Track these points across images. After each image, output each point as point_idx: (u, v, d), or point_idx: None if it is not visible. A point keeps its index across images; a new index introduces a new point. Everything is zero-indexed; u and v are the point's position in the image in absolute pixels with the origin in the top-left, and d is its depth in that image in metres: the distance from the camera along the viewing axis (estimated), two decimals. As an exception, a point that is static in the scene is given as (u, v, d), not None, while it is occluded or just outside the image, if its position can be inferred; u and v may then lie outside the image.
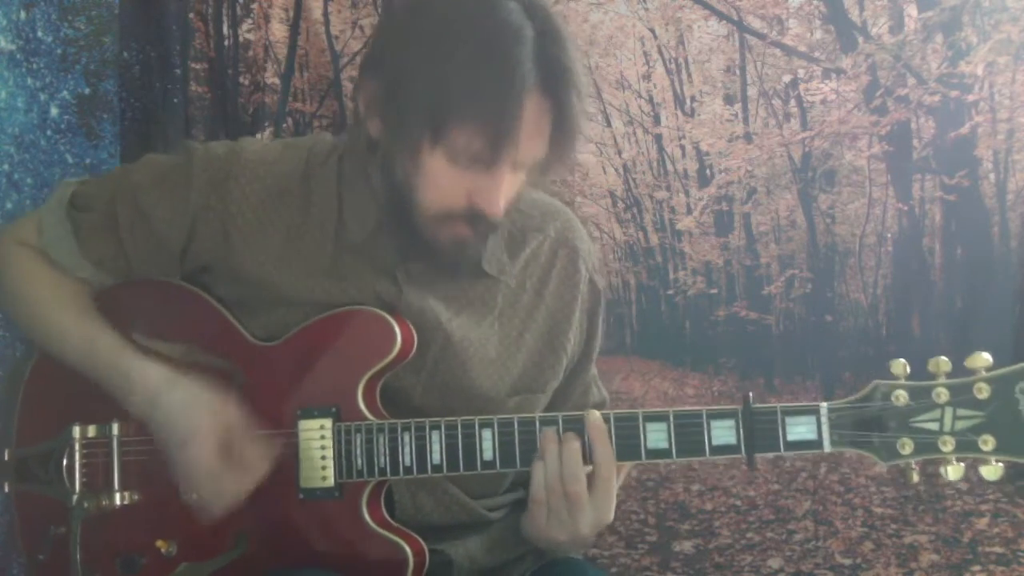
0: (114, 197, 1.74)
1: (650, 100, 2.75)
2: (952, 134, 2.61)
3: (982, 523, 2.55)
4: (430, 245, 1.59)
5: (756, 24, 2.69)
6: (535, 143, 1.52)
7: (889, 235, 2.66)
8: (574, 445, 1.53)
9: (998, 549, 2.55)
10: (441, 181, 1.53)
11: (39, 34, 2.33)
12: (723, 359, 2.75)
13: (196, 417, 1.56)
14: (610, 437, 1.53)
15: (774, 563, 2.63)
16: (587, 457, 1.54)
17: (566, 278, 1.78)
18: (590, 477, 1.54)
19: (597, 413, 1.54)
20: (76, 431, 1.68)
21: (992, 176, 2.61)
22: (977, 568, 2.55)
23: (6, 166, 2.20)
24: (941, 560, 2.56)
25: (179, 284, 1.74)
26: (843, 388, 2.67)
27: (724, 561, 2.65)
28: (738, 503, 2.67)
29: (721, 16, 2.70)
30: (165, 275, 1.75)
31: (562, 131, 1.53)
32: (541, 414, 1.60)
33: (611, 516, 1.57)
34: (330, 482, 1.61)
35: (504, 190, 1.53)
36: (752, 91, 2.71)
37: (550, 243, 1.79)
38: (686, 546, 2.67)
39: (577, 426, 1.55)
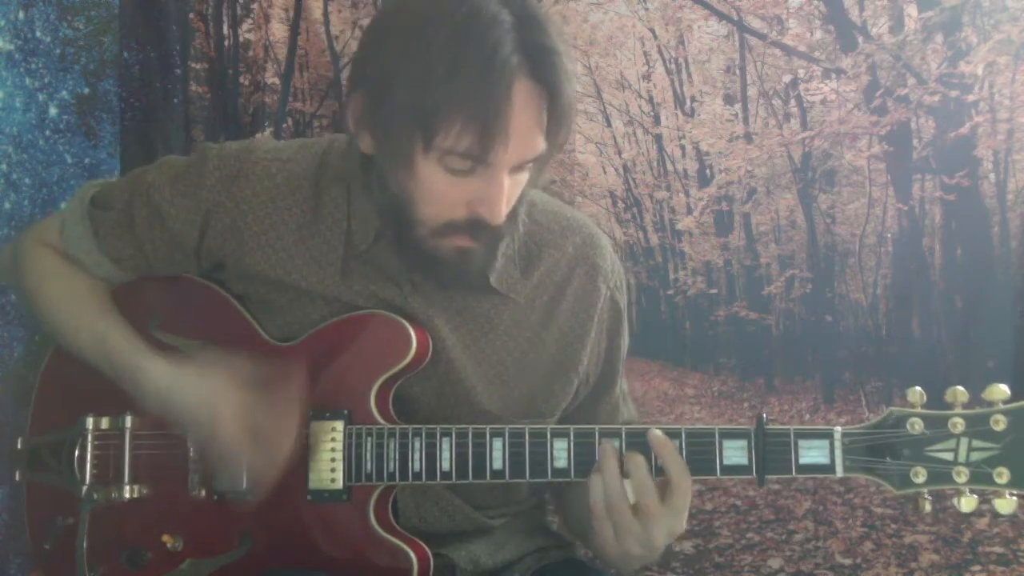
0: (132, 196, 1.75)
1: (650, 100, 2.75)
2: (952, 134, 2.61)
3: (982, 523, 2.55)
4: (433, 258, 1.56)
5: (756, 24, 2.69)
6: (532, 136, 1.46)
7: (889, 235, 2.66)
8: (639, 459, 1.49)
9: (998, 549, 2.55)
10: (439, 191, 1.49)
11: (38, 34, 2.32)
12: (723, 359, 2.75)
13: (215, 408, 1.55)
14: (621, 451, 1.50)
15: (774, 563, 2.63)
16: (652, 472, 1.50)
17: (582, 297, 1.72)
18: (662, 488, 1.49)
19: (658, 431, 1.50)
20: (90, 422, 1.68)
21: (992, 176, 2.61)
22: (977, 568, 2.55)
23: (4, 166, 2.20)
24: (941, 560, 2.57)
25: (200, 281, 1.74)
26: (843, 388, 2.68)
27: (724, 561, 2.65)
28: (738, 503, 2.67)
29: (721, 16, 2.70)
30: (183, 272, 1.75)
31: (557, 115, 1.46)
32: (554, 426, 1.57)
33: (684, 523, 1.52)
34: (338, 484, 1.60)
35: (505, 195, 1.48)
36: (752, 91, 2.71)
37: (567, 260, 1.72)
38: (686, 546, 2.67)
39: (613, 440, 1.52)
